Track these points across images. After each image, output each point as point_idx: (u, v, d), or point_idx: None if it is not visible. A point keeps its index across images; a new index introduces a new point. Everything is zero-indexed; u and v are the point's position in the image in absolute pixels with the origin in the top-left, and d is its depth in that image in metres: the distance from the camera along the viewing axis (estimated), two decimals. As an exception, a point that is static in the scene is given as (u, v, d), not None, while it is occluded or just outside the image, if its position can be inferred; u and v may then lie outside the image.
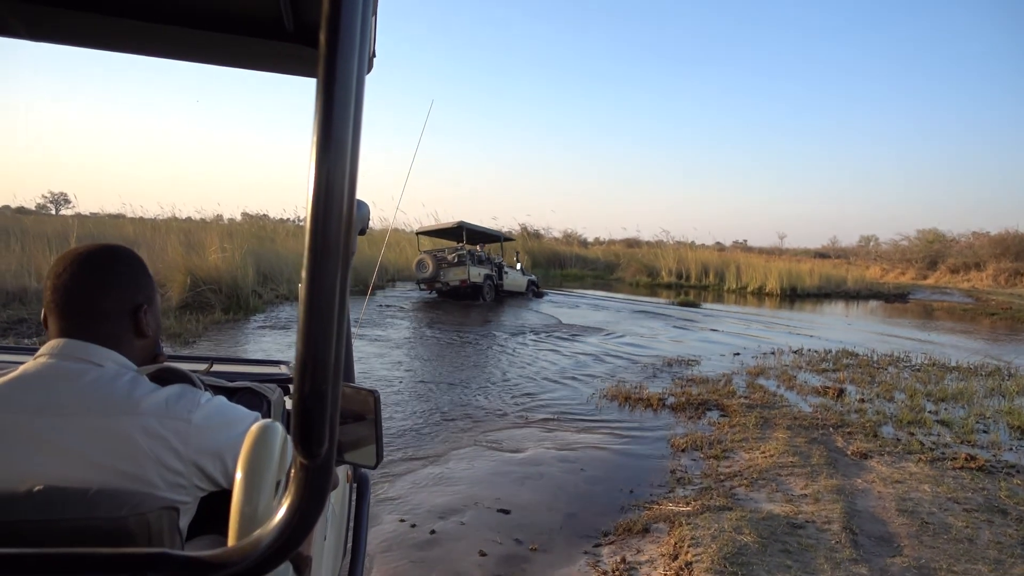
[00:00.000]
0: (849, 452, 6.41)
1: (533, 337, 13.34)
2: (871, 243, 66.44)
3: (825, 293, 31.83)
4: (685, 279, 34.95)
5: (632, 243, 52.34)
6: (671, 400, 8.45)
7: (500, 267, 22.51)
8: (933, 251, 44.06)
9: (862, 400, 8.80)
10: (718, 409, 8.13)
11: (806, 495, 5.16)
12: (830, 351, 13.05)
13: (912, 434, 7.21)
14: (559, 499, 5.03)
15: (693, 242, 45.39)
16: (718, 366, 11.14)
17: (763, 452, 6.30)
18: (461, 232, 22.32)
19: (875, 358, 12.48)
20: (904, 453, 6.46)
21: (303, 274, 0.67)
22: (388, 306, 17.79)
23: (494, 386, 8.90)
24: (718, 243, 61.85)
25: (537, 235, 44.71)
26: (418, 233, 24.29)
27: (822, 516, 4.71)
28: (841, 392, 9.14)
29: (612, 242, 52.32)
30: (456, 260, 21.11)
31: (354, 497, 2.42)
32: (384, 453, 1.57)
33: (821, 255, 63.40)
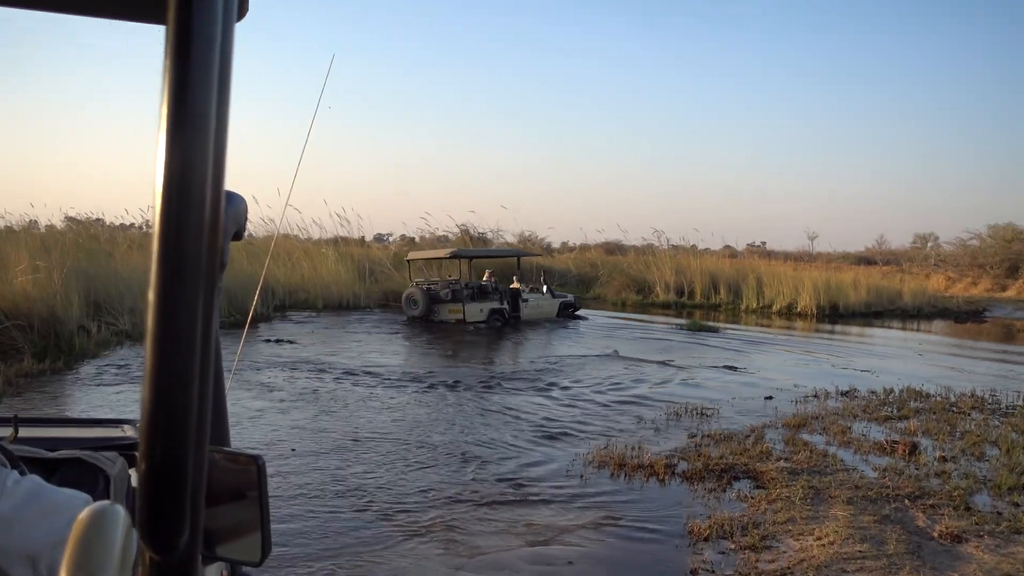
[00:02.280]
0: (936, 534, 6.33)
1: (492, 380, 13.21)
2: (929, 244, 68.48)
3: (875, 312, 32.48)
4: (688, 296, 35.34)
5: (614, 248, 52.67)
6: (683, 466, 8.32)
7: (516, 295, 24.39)
8: (1012, 253, 45.46)
9: (943, 458, 8.81)
10: (749, 477, 8.01)
11: (886, 600, 5.01)
12: (891, 391, 13.16)
13: (1017, 504, 7.19)
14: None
15: (695, 246, 45.66)
16: (744, 416, 11.09)
17: (818, 538, 6.18)
18: (459, 260, 24.50)
19: (952, 399, 12.62)
20: (1010, 532, 6.42)
21: (150, 296, 0.67)
22: (279, 340, 17.43)
23: (435, 449, 8.70)
24: (728, 247, 62.65)
25: (483, 240, 44.73)
26: (409, 260, 26.29)
27: (912, 630, 4.56)
28: (913, 448, 9.13)
29: (587, 248, 52.60)
30: (450, 296, 23.05)
31: None
32: (272, 544, 1.51)
33: (866, 260, 65.08)
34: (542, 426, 10.17)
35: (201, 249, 0.68)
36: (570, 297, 27.13)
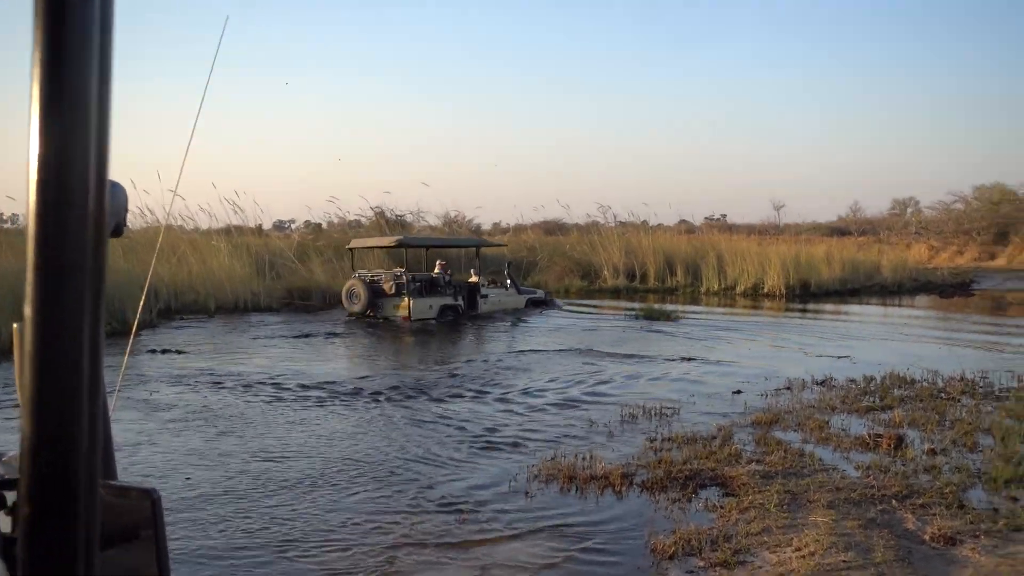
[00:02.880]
0: (927, 537, 6.51)
1: (428, 385, 13.21)
2: (909, 210, 70.13)
3: (852, 289, 33.19)
4: (640, 279, 35.68)
5: (554, 228, 52.78)
6: (642, 475, 8.40)
7: (473, 289, 24.94)
8: (1001, 216, 46.79)
9: (932, 451, 9.05)
10: (717, 484, 8.14)
11: (875, 614, 5.14)
12: (872, 378, 13.49)
13: (1015, 499, 7.42)
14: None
15: (646, 222, 46.00)
16: (709, 414, 11.26)
17: (797, 549, 6.30)
18: (404, 251, 24.73)
19: (940, 384, 12.98)
20: (1009, 531, 6.62)
21: (27, 311, 0.66)
22: (166, 351, 17.15)
23: (361, 471, 8.64)
24: (684, 222, 63.36)
25: (401, 223, 44.51)
26: (351, 248, 26.36)
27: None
28: (899, 441, 9.37)
29: (523, 228, 52.63)
30: (394, 290, 23.37)
31: None
32: None
33: (839, 231, 66.40)
34: (483, 436, 10.19)
35: (86, 251, 0.66)
36: (540, 293, 27.79)
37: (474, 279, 25.86)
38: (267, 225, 40.66)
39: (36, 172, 0.65)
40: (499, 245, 33.50)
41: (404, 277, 23.43)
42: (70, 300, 0.66)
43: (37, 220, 0.65)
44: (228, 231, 32.72)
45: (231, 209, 44.51)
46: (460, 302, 24.25)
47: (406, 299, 22.92)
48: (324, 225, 44.09)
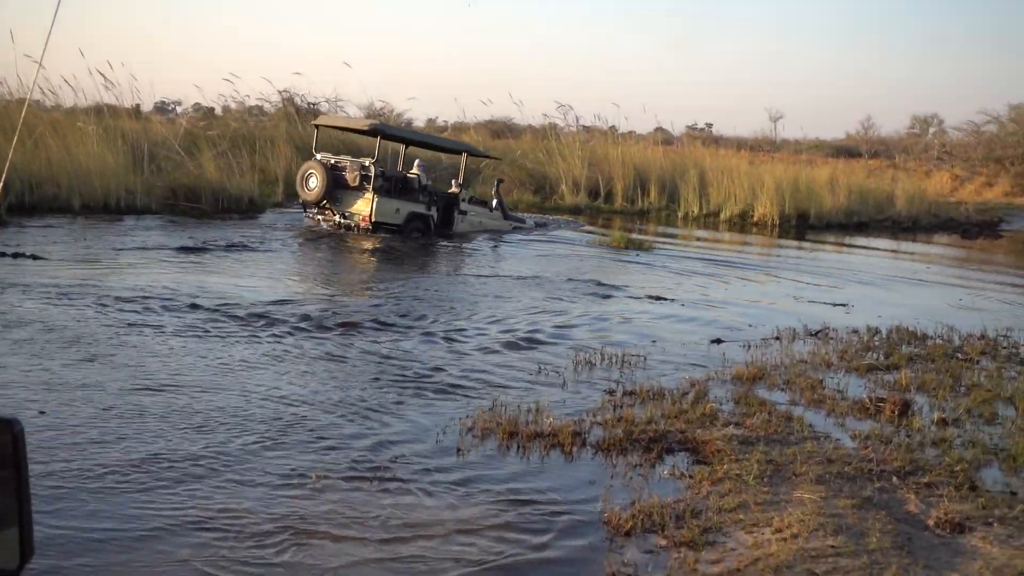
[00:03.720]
0: (931, 522, 6.64)
1: (355, 313, 13.22)
2: (931, 130, 70.44)
3: (859, 223, 33.41)
4: (604, 198, 35.58)
5: (503, 129, 52.47)
6: (597, 434, 8.48)
7: (451, 202, 25.17)
8: (1041, 145, 47.03)
9: (943, 421, 9.24)
10: (687, 449, 8.24)
11: (866, 611, 5.27)
12: (877, 331, 13.72)
13: (1037, 482, 7.58)
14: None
15: (615, 128, 45.76)
16: (681, 365, 11.40)
17: (778, 530, 6.39)
18: (377, 140, 24.54)
19: (956, 342, 13.22)
20: (1028, 519, 6.77)
21: None
22: (17, 255, 16.83)
23: (262, 414, 8.60)
24: (662, 130, 63.06)
25: (316, 114, 44.01)
26: (316, 126, 26.29)
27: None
28: (905, 408, 9.54)
29: (465, 127, 52.25)
30: (357, 182, 23.23)
31: None
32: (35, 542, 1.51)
33: (847, 152, 66.77)
34: (412, 378, 10.23)
35: None
36: (527, 220, 28.06)
37: (454, 190, 25.86)
38: (147, 106, 39.95)
39: None
40: (493, 157, 33.41)
41: (373, 169, 23.23)
42: None
43: None
44: (99, 111, 32.03)
45: (102, 85, 43.70)
46: (433, 213, 24.32)
47: (370, 195, 22.83)
48: (218, 110, 43.44)
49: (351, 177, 23.41)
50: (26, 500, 1.52)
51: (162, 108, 53.69)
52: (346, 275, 17.70)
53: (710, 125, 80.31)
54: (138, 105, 36.47)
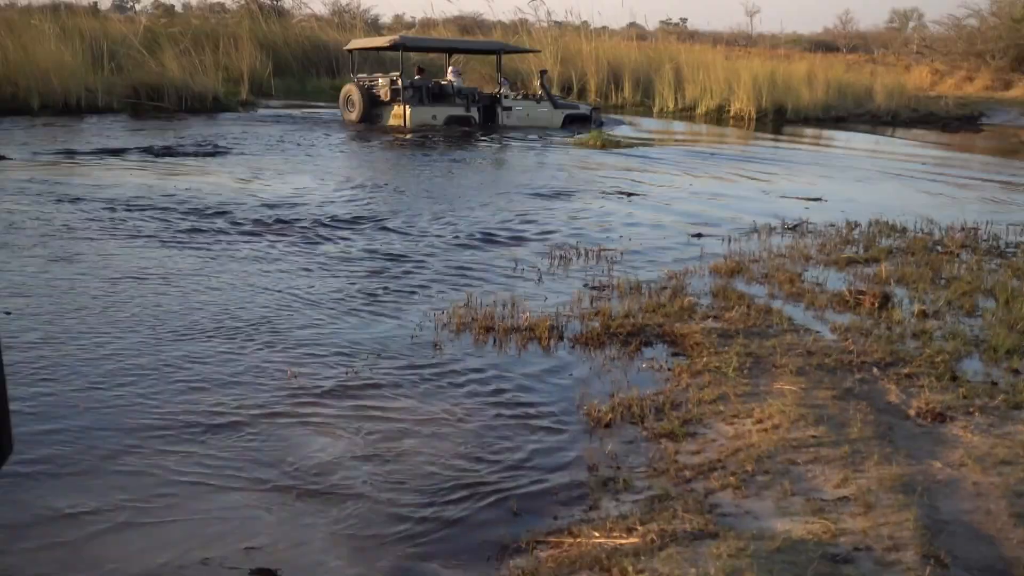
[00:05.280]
0: (912, 412, 6.68)
1: (320, 211, 13.16)
2: (911, 24, 70.47)
3: (837, 116, 33.44)
4: (577, 95, 35.38)
5: (472, 25, 52.27)
6: (575, 328, 8.51)
7: (492, 100, 26.57)
8: (1023, 37, 46.99)
9: (923, 313, 9.26)
10: (665, 342, 8.28)
11: (847, 498, 5.31)
12: (856, 224, 13.73)
13: (1017, 371, 7.65)
14: (365, 555, 4.89)
15: (587, 23, 45.57)
16: (658, 259, 11.41)
17: (758, 421, 6.43)
18: (401, 54, 27.02)
19: (936, 235, 13.24)
20: (1007, 408, 6.81)
21: None
22: None
23: (229, 314, 8.59)
24: (635, 25, 62.84)
25: (279, 11, 43.51)
26: (349, 50, 28.54)
27: (882, 537, 4.85)
28: (885, 300, 9.56)
29: (433, 24, 51.83)
30: (390, 96, 25.36)
31: None
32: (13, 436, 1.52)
33: (825, 46, 66.55)
34: (383, 276, 10.27)
35: None
36: (583, 107, 28.44)
37: (499, 90, 26.92)
38: (105, 4, 39.33)
39: None
40: (529, 51, 33.64)
41: (400, 82, 24.99)
42: None
43: None
44: (55, 9, 31.59)
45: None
46: (473, 114, 25.56)
47: (400, 107, 24.60)
48: (179, 7, 42.97)
49: (383, 93, 25.34)
50: (2, 396, 1.52)
51: (120, 6, 53.01)
52: (324, 174, 17.59)
53: (684, 20, 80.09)
54: (95, 2, 36.02)
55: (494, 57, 29.83)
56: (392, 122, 25.08)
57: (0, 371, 1.55)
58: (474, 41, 33.53)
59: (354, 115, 25.68)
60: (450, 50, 30.76)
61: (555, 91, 35.21)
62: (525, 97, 27.71)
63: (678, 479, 5.62)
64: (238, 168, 17.80)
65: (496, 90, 27.38)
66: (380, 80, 26.29)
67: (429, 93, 25.73)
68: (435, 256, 11.27)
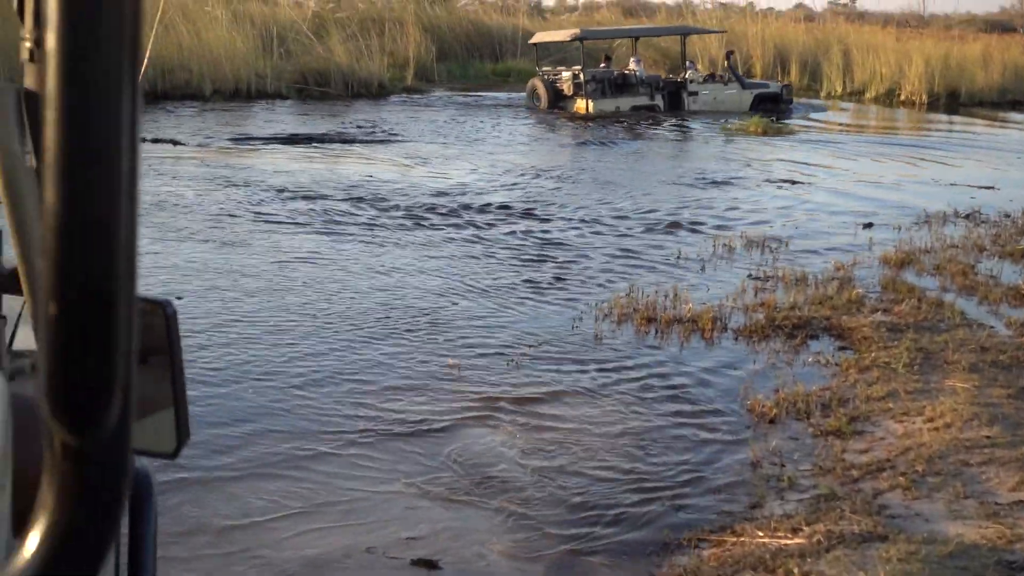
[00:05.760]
0: (1095, 412, 6.49)
1: (472, 200, 13.33)
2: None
3: (1014, 100, 32.39)
4: (748, 77, 35.04)
5: (636, 7, 52.10)
6: (738, 320, 8.45)
7: (677, 87, 26.70)
8: None
9: (1108, 307, 8.96)
10: (833, 336, 8.17)
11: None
12: (1034, 215, 13.29)
13: None
14: (525, 547, 4.94)
15: (752, 4, 45.12)
16: (825, 250, 11.25)
17: (929, 420, 6.32)
18: (582, 46, 26.81)
19: (1121, 224, 12.77)
20: None
21: (48, 36, 0.60)
22: (156, 140, 17.18)
23: (389, 304, 8.76)
24: (802, 6, 61.75)
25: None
26: (534, 44, 29.11)
27: (1059, 544, 4.73)
28: (1064, 294, 9.29)
29: (597, 6, 51.93)
30: (572, 90, 25.88)
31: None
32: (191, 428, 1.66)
33: (1001, 27, 64.37)
34: (547, 265, 10.34)
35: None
36: (772, 86, 28.29)
37: (685, 75, 26.99)
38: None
39: None
40: (716, 31, 33.78)
41: (582, 75, 25.40)
42: (107, 23, 0.63)
43: None
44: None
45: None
46: (658, 102, 25.82)
47: (584, 100, 25.11)
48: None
49: (566, 87, 25.80)
50: (180, 383, 1.56)
51: (292, -9, 54.11)
52: (484, 154, 17.75)
53: (853, 0, 78.06)
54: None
55: (672, 40, 30.50)
56: (575, 112, 25.37)
57: (179, 358, 1.58)
58: (656, 27, 33.38)
59: (540, 107, 26.21)
60: (630, 36, 31.10)
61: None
62: (712, 79, 27.46)
63: (845, 478, 5.56)
64: (405, 155, 18.05)
65: (681, 74, 27.32)
66: (564, 74, 26.71)
67: (612, 84, 26.00)
68: (598, 246, 11.29)
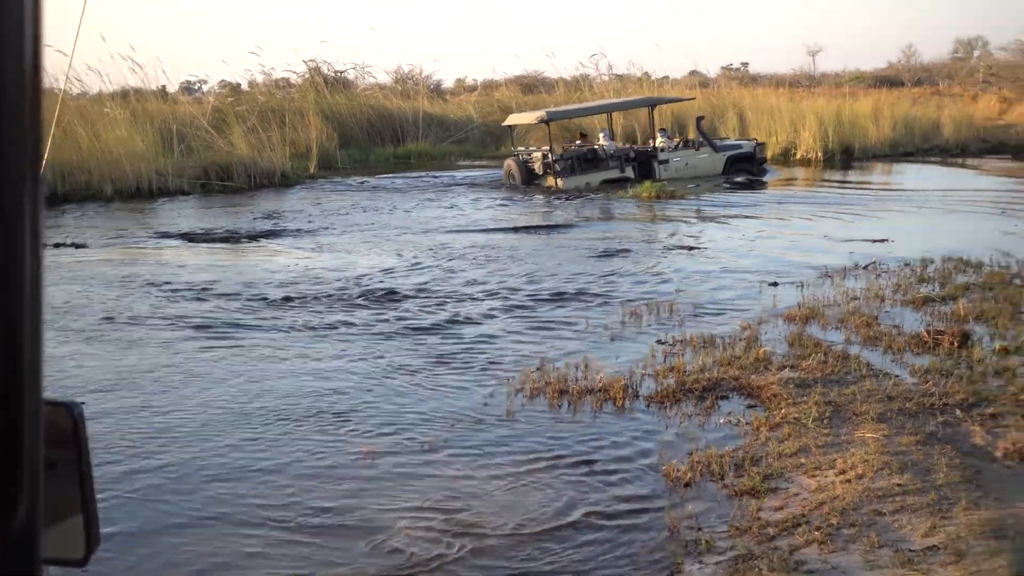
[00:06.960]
0: (999, 453, 6.59)
1: (371, 288, 13.28)
2: (976, 53, 69.85)
3: (905, 152, 33.16)
4: (640, 144, 35.47)
5: (535, 83, 52.41)
6: (649, 386, 8.48)
7: (648, 157, 26.96)
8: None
9: (1004, 350, 9.12)
10: (742, 395, 8.24)
11: (937, 547, 5.24)
12: (931, 262, 13.56)
13: (1107, 406, 7.50)
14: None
15: (648, 75, 45.82)
16: (729, 310, 11.37)
17: (841, 472, 6.37)
18: (548, 127, 27.34)
19: (1014, 268, 13.03)
20: (1101, 444, 6.69)
21: None
22: (58, 244, 16.99)
23: (304, 398, 8.68)
24: (696, 73, 62.80)
25: (344, 82, 44.10)
26: (508, 125, 30.37)
27: (974, 587, 4.77)
28: (964, 339, 9.43)
29: (495, 85, 52.28)
30: (543, 170, 26.42)
31: None
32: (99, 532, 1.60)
33: (889, 82, 66.03)
34: (446, 343, 10.29)
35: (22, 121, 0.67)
36: (745, 146, 28.36)
37: (657, 143, 27.27)
38: (173, 87, 40.02)
39: None
40: (682, 100, 34.55)
41: (550, 156, 25.99)
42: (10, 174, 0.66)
43: None
44: (125, 95, 32.20)
45: (128, 68, 43.75)
46: (629, 174, 26.10)
47: (553, 179, 25.67)
48: (245, 85, 43.60)
49: (537, 167, 26.39)
50: (89, 487, 1.54)
51: (188, 88, 53.96)
52: (394, 239, 17.75)
53: (746, 64, 79.70)
54: (164, 87, 36.68)
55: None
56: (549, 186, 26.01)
57: (88, 463, 1.55)
58: (623, 101, 33.38)
59: (516, 184, 26.77)
60: (597, 112, 31.94)
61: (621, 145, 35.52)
62: (686, 145, 27.80)
63: (762, 537, 5.57)
64: (309, 244, 17.99)
65: (651, 144, 27.62)
66: (534, 154, 27.32)
67: (581, 160, 26.50)
68: (506, 319, 11.32)
